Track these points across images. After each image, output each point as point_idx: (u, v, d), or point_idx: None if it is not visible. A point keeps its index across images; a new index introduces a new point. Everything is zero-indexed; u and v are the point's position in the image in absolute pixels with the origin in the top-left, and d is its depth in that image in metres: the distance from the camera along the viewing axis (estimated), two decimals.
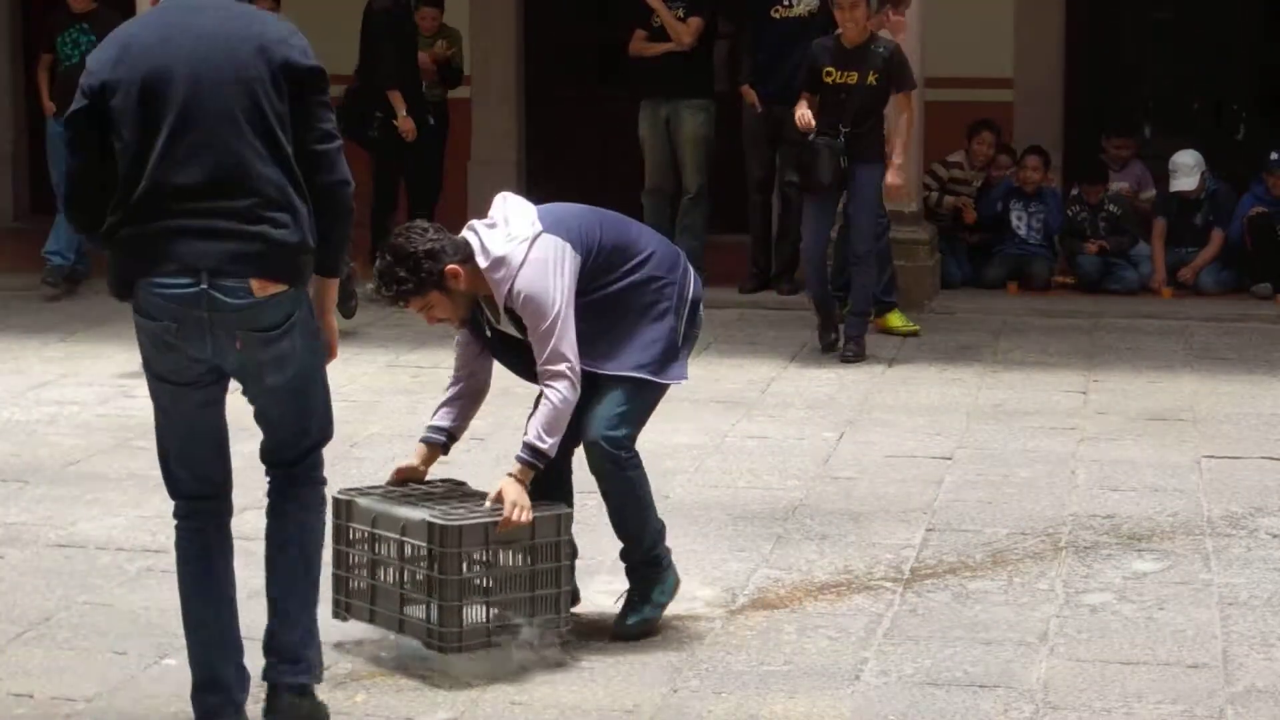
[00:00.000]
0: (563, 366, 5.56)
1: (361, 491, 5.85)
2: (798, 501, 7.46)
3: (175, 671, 5.46)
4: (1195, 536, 6.97)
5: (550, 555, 5.62)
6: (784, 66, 11.51)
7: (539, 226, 5.64)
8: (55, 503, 7.41)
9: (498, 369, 5.92)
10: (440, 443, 5.89)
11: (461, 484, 5.93)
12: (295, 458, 5.09)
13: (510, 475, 5.57)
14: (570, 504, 5.84)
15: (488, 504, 5.57)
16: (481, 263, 5.59)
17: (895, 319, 11.11)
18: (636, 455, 5.82)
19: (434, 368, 9.79)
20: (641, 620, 5.90)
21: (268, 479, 5.14)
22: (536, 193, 7.46)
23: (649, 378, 5.75)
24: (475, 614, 5.54)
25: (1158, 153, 13.24)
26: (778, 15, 11.98)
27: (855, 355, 10.31)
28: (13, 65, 15.42)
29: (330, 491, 5.28)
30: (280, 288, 4.84)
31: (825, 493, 7.61)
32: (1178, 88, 14.47)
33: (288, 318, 4.88)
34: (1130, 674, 5.55)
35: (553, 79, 14.74)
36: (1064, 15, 13.93)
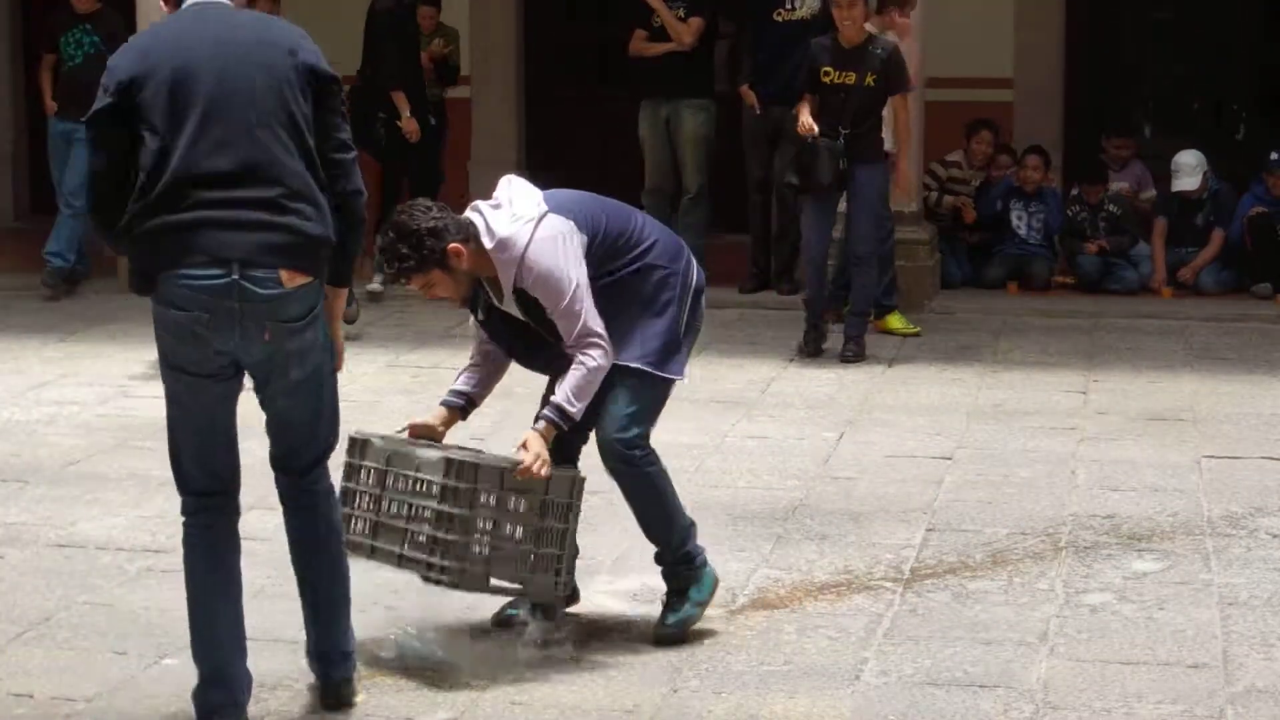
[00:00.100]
0: (594, 338, 5.58)
1: (378, 435, 5.84)
2: (798, 501, 7.46)
3: (175, 671, 5.47)
4: (1195, 536, 6.96)
5: (559, 514, 5.60)
6: (784, 67, 11.51)
7: (544, 207, 5.64)
8: (55, 503, 7.41)
9: None
10: (459, 406, 5.86)
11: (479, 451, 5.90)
12: (305, 467, 5.13)
13: (535, 430, 5.58)
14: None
15: (511, 451, 5.57)
16: (487, 243, 5.57)
17: (895, 321, 11.11)
18: (652, 453, 5.80)
19: (434, 368, 9.80)
20: (680, 621, 5.86)
21: (282, 494, 5.19)
22: None
23: (649, 370, 5.71)
24: (478, 555, 5.50)
25: (1158, 153, 13.24)
26: (780, 18, 11.98)
27: (855, 355, 10.31)
28: (13, 65, 15.41)
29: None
30: (306, 279, 4.92)
31: (825, 493, 7.61)
32: (1178, 88, 14.47)
33: (310, 310, 4.96)
34: (1130, 674, 5.55)
35: (553, 79, 14.75)
36: (1064, 15, 13.93)
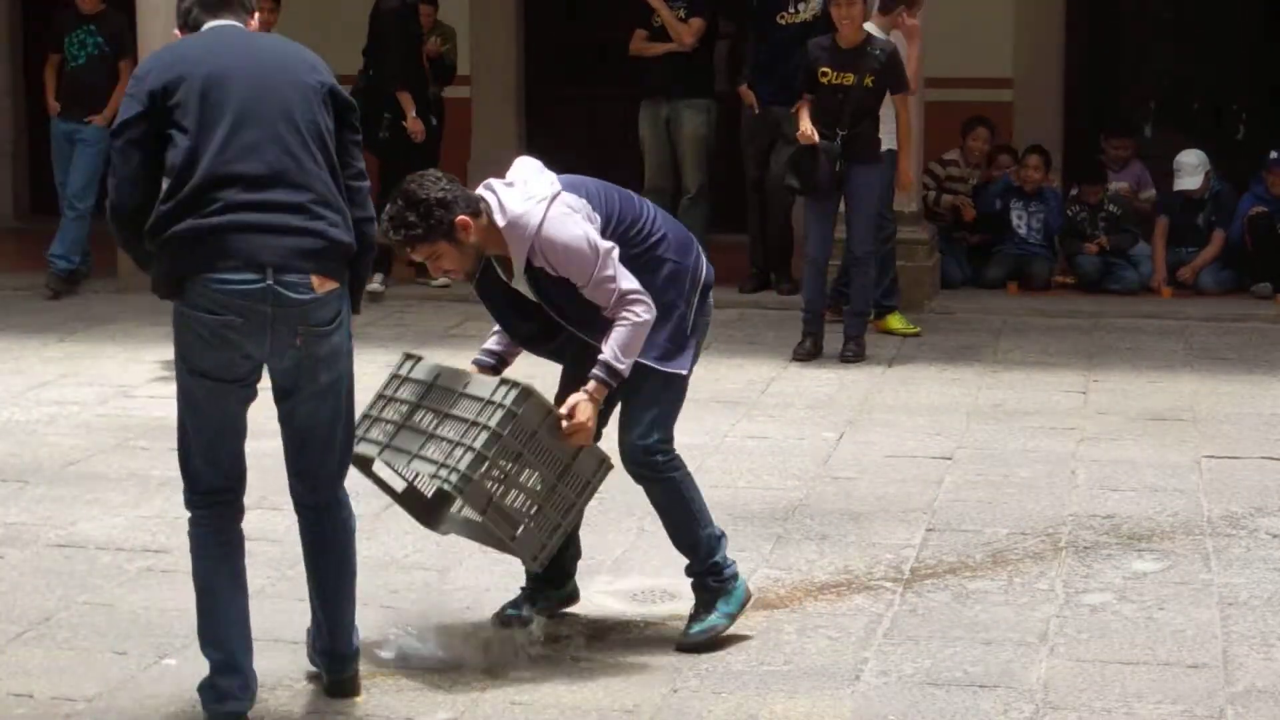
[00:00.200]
0: (632, 295, 5.48)
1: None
2: (798, 501, 7.46)
3: (175, 671, 5.47)
4: (1195, 536, 6.96)
5: (576, 486, 5.54)
6: (784, 68, 11.51)
7: (558, 186, 5.61)
8: (55, 503, 7.41)
9: None
10: (490, 365, 5.81)
11: None
12: (329, 477, 5.18)
13: (586, 393, 5.50)
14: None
15: (560, 409, 5.50)
16: (500, 221, 5.51)
17: (895, 321, 11.11)
18: (676, 457, 5.74)
19: None
20: (704, 629, 5.78)
21: (297, 502, 5.24)
22: None
23: (655, 365, 5.62)
24: (491, 475, 5.40)
25: (1158, 153, 13.25)
26: (783, 21, 11.98)
27: (855, 355, 10.31)
28: (13, 65, 15.42)
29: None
30: (334, 284, 4.99)
31: (825, 493, 7.61)
32: (1178, 88, 14.46)
33: (337, 314, 5.02)
34: (1130, 674, 5.55)
35: (553, 79, 14.74)
36: (1064, 15, 13.94)
